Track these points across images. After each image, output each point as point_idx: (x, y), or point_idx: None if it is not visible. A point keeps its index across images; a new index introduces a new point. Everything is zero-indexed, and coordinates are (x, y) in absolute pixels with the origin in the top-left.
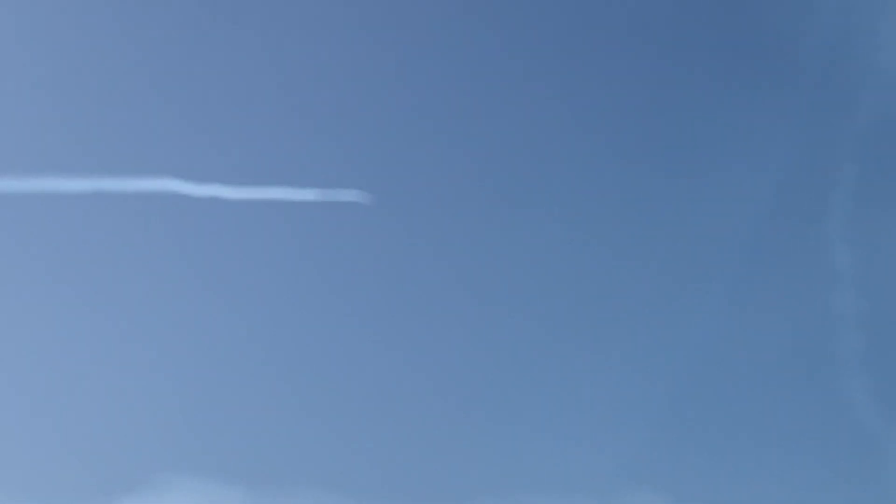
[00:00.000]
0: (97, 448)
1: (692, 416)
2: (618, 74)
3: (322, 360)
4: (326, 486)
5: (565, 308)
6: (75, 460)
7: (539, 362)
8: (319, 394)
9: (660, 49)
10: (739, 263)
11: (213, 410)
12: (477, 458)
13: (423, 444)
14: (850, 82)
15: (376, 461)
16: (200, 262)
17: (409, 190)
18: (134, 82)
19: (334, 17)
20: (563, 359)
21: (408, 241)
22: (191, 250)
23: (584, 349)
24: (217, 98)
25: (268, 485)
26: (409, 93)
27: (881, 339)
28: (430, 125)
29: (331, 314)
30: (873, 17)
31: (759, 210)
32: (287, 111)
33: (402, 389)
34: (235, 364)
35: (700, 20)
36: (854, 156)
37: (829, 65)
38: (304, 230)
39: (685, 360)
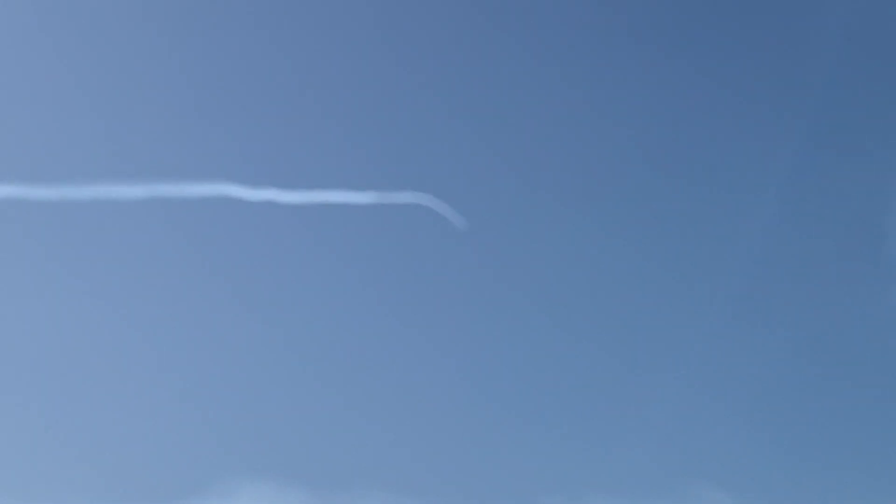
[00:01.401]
0: (160, 453)
1: (758, 415)
2: (628, 73)
3: (384, 362)
4: (389, 487)
5: (628, 309)
6: (139, 465)
7: (604, 363)
8: (382, 396)
9: (670, 45)
10: (801, 263)
11: (276, 414)
12: (543, 458)
13: (488, 444)
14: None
15: (440, 462)
16: (257, 266)
17: (468, 192)
18: (190, 86)
19: (392, 21)
20: (628, 359)
21: (464, 244)
22: (247, 255)
23: (651, 350)
24: (272, 100)
25: (331, 487)
26: (467, 94)
27: None
28: (487, 126)
29: (392, 317)
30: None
31: (814, 205)
32: (346, 113)
33: (468, 390)
34: (298, 367)
35: (714, 14)
36: None
37: (872, 58)
38: (363, 233)
39: (750, 360)
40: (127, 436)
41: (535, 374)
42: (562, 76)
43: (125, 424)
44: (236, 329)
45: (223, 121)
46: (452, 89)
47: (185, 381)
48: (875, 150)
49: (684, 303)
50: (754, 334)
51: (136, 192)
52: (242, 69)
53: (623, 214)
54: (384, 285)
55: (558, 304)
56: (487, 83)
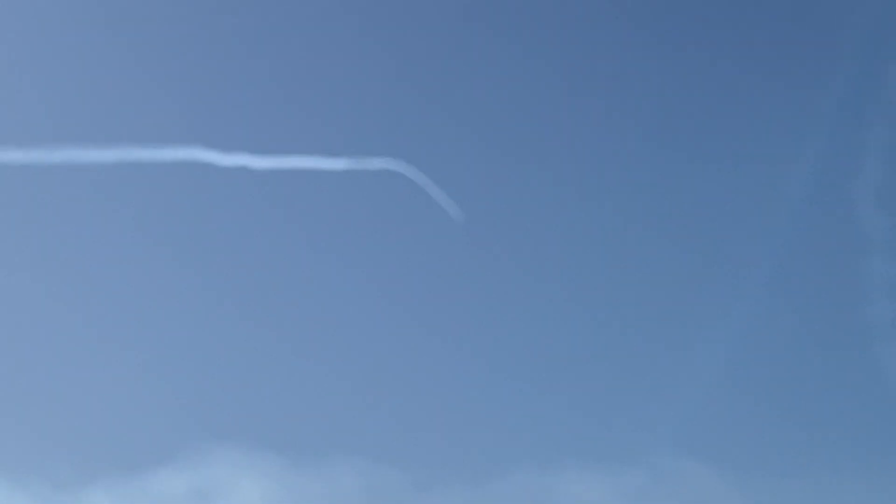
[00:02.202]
0: (132, 419)
1: (735, 388)
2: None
3: (358, 328)
4: (362, 453)
5: (609, 283)
6: (111, 431)
7: (584, 334)
8: (356, 363)
9: (691, 20)
10: (776, 240)
11: (248, 379)
12: (517, 427)
13: (462, 412)
14: (884, 48)
15: (414, 430)
16: (229, 232)
17: (443, 158)
18: (162, 51)
19: None
20: (608, 331)
21: (437, 209)
22: (219, 220)
23: (629, 322)
24: (245, 66)
25: (303, 452)
26: (440, 61)
27: None
28: (462, 92)
29: (366, 283)
30: None
31: (791, 182)
32: (318, 79)
33: (444, 358)
34: (270, 334)
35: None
36: (886, 121)
37: (861, 31)
38: (335, 199)
39: (727, 335)
40: (98, 403)
41: (510, 344)
42: (585, 60)
43: (97, 392)
44: (209, 295)
45: (196, 85)
46: (427, 56)
47: (155, 347)
48: None
49: (655, 274)
50: (727, 305)
51: (108, 157)
52: (216, 35)
53: (603, 180)
54: (357, 251)
55: (535, 274)
56: (463, 47)
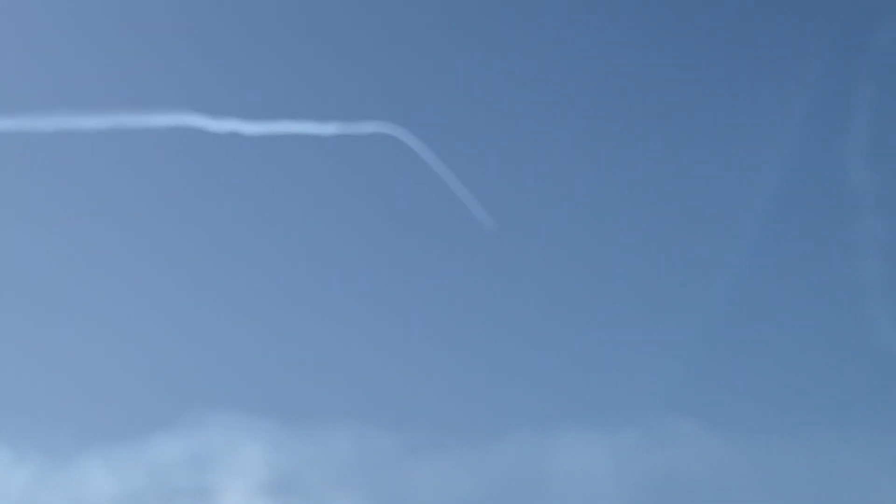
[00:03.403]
0: (130, 384)
1: (727, 347)
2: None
3: (352, 292)
4: (361, 417)
5: (602, 245)
6: (109, 398)
7: (577, 297)
8: (352, 326)
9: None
10: (766, 198)
11: (246, 344)
12: (514, 389)
13: (458, 374)
14: (870, 4)
15: (410, 392)
16: (221, 197)
17: (436, 122)
18: (153, 16)
19: None
20: (601, 293)
21: (429, 173)
22: (211, 186)
23: (618, 282)
24: (236, 30)
25: (301, 417)
26: (432, 20)
27: None
28: (455, 54)
29: (359, 247)
30: None
31: (781, 141)
32: (310, 43)
33: (438, 320)
34: (266, 299)
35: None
36: (874, 78)
37: None
38: (327, 164)
39: (718, 295)
40: (93, 369)
41: (503, 304)
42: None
43: (90, 359)
44: (203, 262)
45: (186, 51)
46: (420, 17)
47: (149, 313)
48: None
49: (650, 236)
50: (718, 265)
51: (98, 123)
52: (207, 1)
53: (591, 142)
54: (350, 215)
55: (529, 239)
56: (454, 9)
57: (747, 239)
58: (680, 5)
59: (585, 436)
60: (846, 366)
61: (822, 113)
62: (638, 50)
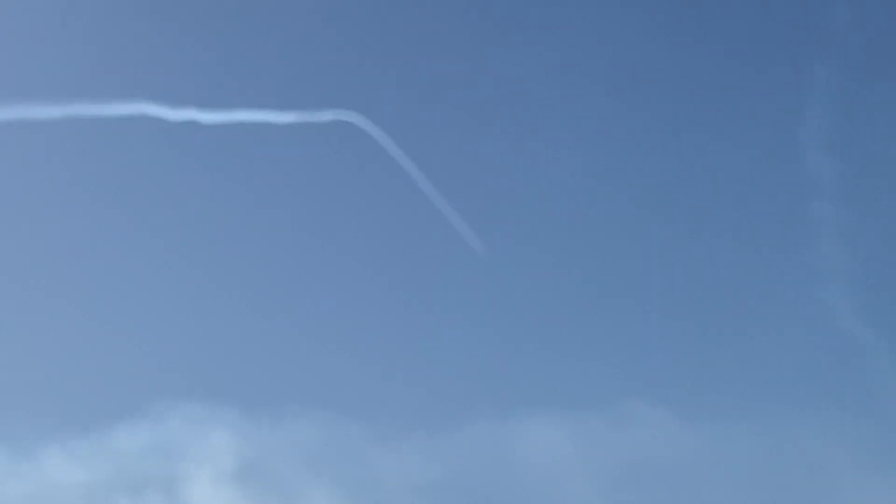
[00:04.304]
0: (94, 375)
1: (686, 333)
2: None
3: (312, 282)
4: (325, 406)
5: (562, 233)
6: (71, 388)
7: (541, 278)
8: (312, 316)
9: None
10: (723, 184)
11: (210, 335)
12: (478, 376)
13: (421, 359)
14: None
15: (376, 382)
16: (179, 187)
17: (398, 109)
18: (109, 4)
19: None
20: (567, 280)
21: (388, 161)
22: (168, 175)
23: (588, 272)
24: (193, 19)
25: (265, 407)
26: (394, 7)
27: (862, 247)
28: (416, 44)
29: (318, 236)
30: None
31: (738, 127)
32: (268, 32)
33: (400, 309)
34: (229, 289)
35: None
36: (830, 60)
37: None
38: (286, 153)
39: (678, 278)
40: (55, 359)
41: (468, 294)
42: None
43: (53, 349)
44: (164, 251)
45: (144, 40)
46: (381, 5)
47: (112, 303)
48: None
49: (615, 223)
50: (682, 250)
51: (56, 112)
52: None
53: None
54: (310, 203)
55: (489, 216)
56: None
57: (707, 224)
58: None
59: (549, 421)
60: (805, 350)
61: (780, 98)
62: (611, 49)
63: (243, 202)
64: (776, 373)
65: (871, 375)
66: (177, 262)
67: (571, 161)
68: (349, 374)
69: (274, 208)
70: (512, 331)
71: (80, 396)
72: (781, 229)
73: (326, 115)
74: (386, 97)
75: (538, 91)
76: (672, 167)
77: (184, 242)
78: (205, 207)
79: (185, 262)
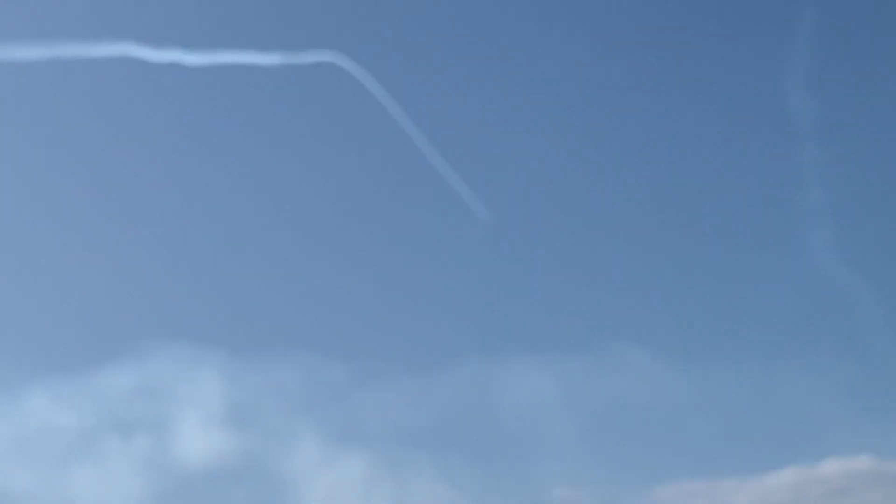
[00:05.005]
0: (78, 315)
1: (670, 275)
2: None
3: (299, 226)
4: (309, 347)
5: (546, 177)
6: (56, 328)
7: (526, 225)
8: (299, 259)
9: None
10: (709, 128)
11: (193, 276)
12: (462, 318)
13: (407, 304)
14: None
15: (359, 323)
16: (162, 129)
17: (385, 51)
18: None
19: None
20: (549, 225)
21: (374, 101)
22: (151, 117)
23: (570, 218)
24: None
25: (249, 348)
26: None
27: (844, 190)
28: None
29: (303, 181)
30: None
31: (719, 63)
32: None
33: (385, 251)
34: (212, 231)
35: None
36: (814, 4)
37: None
38: (271, 94)
39: (656, 220)
40: (39, 300)
41: (450, 237)
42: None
43: (37, 289)
44: (150, 193)
45: None
46: None
47: (97, 244)
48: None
49: (597, 169)
50: (669, 193)
51: (39, 53)
52: None
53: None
54: (296, 145)
55: (469, 163)
56: None
57: (692, 171)
58: None
59: (534, 365)
60: (788, 292)
61: (763, 39)
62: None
63: (228, 143)
64: (760, 317)
65: (855, 319)
66: (163, 204)
67: (551, 105)
68: (334, 316)
69: (259, 149)
70: (496, 272)
71: (66, 337)
72: (766, 173)
73: (311, 57)
74: (372, 38)
75: (530, 33)
76: (657, 114)
77: (170, 184)
78: (190, 149)
79: (171, 204)
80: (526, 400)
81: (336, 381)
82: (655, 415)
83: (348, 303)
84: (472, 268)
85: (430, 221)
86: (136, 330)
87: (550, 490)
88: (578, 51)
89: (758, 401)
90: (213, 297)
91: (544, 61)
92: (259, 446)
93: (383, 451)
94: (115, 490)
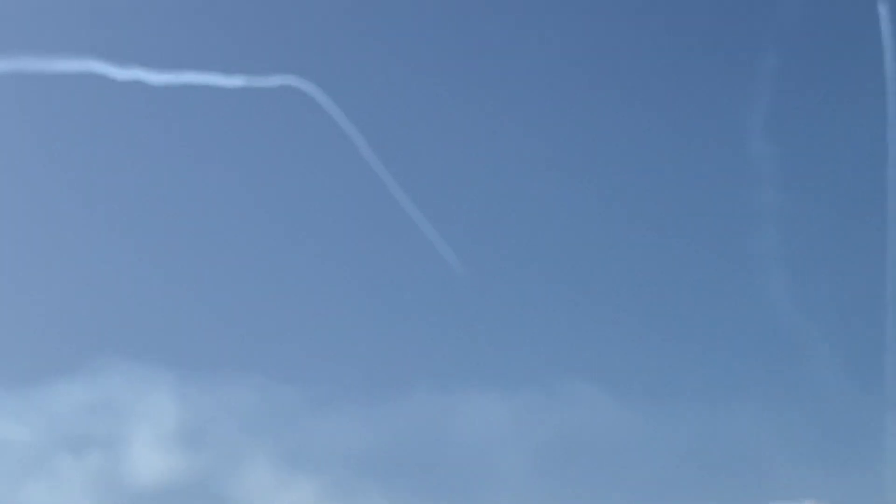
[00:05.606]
0: (31, 330)
1: (623, 314)
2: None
3: (257, 245)
4: (261, 371)
5: (501, 212)
6: (12, 343)
7: (477, 257)
8: (256, 281)
9: None
10: (669, 169)
11: (148, 294)
12: (416, 348)
13: (363, 333)
14: None
15: (314, 348)
16: (123, 145)
17: (346, 74)
18: None
19: None
20: (510, 258)
21: (334, 127)
22: (113, 134)
23: (529, 249)
24: None
25: (203, 369)
26: None
27: (800, 235)
28: (360, 9)
29: (266, 199)
30: None
31: (679, 105)
32: None
33: (341, 279)
34: (168, 249)
35: None
36: (775, 48)
37: None
38: (232, 116)
39: (617, 259)
40: None
41: (408, 266)
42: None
43: None
44: (104, 208)
45: None
46: None
47: (51, 259)
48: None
49: (557, 207)
50: (622, 232)
51: (2, 66)
52: None
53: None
54: (254, 166)
55: (419, 186)
56: None
57: (651, 211)
58: None
59: (487, 397)
60: (741, 335)
61: (724, 84)
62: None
63: (188, 163)
64: (713, 359)
65: (807, 365)
66: (119, 221)
67: (516, 136)
68: (289, 340)
69: (218, 170)
70: (451, 303)
71: (18, 352)
72: (723, 216)
73: (273, 81)
74: (339, 65)
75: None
76: (615, 154)
77: (126, 201)
78: (149, 166)
79: (127, 221)
80: (477, 431)
81: (289, 405)
82: (604, 451)
83: (303, 327)
84: (428, 298)
85: (385, 250)
86: (89, 347)
87: None
88: (545, 91)
89: (706, 441)
90: (167, 316)
91: (509, 97)
92: (210, 467)
93: (334, 476)
94: None
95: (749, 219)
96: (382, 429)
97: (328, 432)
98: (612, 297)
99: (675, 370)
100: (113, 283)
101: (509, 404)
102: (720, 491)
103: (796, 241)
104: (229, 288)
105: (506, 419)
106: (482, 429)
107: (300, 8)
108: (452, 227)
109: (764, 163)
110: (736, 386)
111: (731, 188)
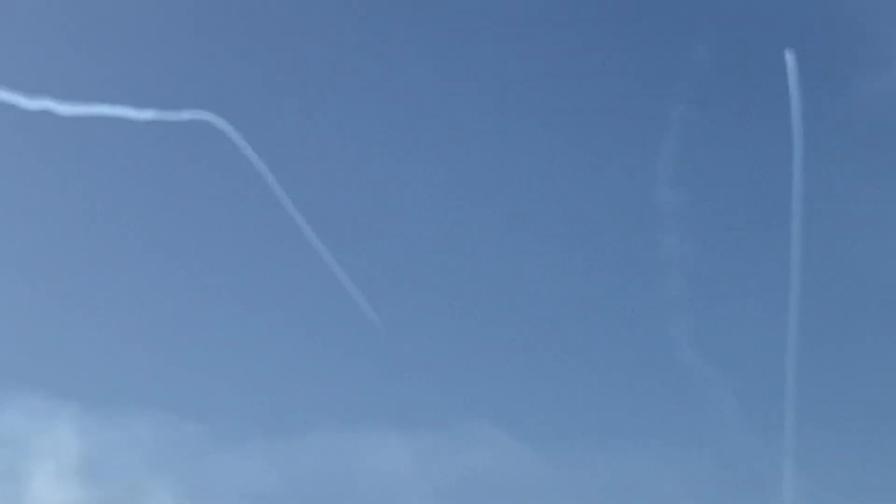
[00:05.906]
0: None
1: (527, 354)
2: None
3: (160, 281)
4: (163, 406)
5: (404, 247)
6: None
7: (377, 293)
8: (158, 314)
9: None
10: (573, 217)
11: (47, 326)
12: (319, 386)
13: (264, 370)
14: (684, 23)
15: (217, 383)
16: (29, 175)
17: (259, 111)
18: None
19: None
20: (402, 294)
21: (245, 162)
22: (20, 164)
23: (430, 293)
24: (53, 8)
25: (103, 403)
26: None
27: (704, 282)
28: (268, 44)
29: (170, 235)
30: None
31: (585, 153)
32: (130, 27)
33: (246, 312)
34: (70, 281)
35: None
36: (684, 98)
37: (663, 6)
38: (141, 149)
39: (517, 302)
40: None
41: (313, 304)
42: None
43: None
44: (10, 239)
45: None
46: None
47: None
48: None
49: (463, 241)
50: (527, 274)
51: None
52: None
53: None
54: (162, 200)
55: (331, 220)
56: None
57: (555, 254)
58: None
59: (390, 436)
60: (645, 379)
61: (632, 132)
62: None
63: (96, 196)
64: (615, 399)
65: (708, 410)
66: (19, 252)
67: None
68: (191, 375)
69: (126, 204)
70: (354, 342)
71: None
72: (629, 262)
73: (184, 115)
74: (253, 102)
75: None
76: (523, 200)
77: (31, 232)
78: (55, 199)
79: (27, 253)
80: (379, 470)
81: (192, 441)
82: (506, 491)
83: (206, 362)
84: (330, 335)
85: (293, 284)
86: None
87: None
88: (455, 136)
89: (607, 482)
90: (68, 350)
91: (421, 142)
92: (112, 502)
93: None
94: None
95: (654, 264)
96: (285, 466)
97: (231, 469)
98: (514, 339)
99: (577, 412)
100: (14, 316)
101: (411, 443)
102: None
103: (700, 288)
104: (133, 321)
105: (407, 458)
106: (384, 467)
107: (214, 43)
108: (361, 267)
109: (670, 210)
110: (639, 429)
111: (637, 234)
